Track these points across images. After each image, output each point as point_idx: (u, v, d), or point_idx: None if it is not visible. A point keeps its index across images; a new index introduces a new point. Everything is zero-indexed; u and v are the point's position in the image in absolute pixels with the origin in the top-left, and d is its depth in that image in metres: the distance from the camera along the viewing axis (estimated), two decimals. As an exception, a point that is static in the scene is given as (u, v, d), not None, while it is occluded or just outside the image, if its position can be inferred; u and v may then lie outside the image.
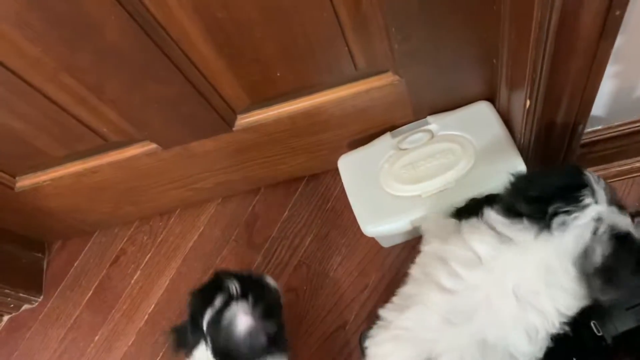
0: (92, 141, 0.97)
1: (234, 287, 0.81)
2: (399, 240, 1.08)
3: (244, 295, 0.81)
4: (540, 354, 0.74)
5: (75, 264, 1.26)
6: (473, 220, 0.77)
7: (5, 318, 1.26)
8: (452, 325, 0.74)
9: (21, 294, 1.22)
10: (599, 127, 0.96)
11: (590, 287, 0.70)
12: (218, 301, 0.80)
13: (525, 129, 0.87)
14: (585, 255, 0.68)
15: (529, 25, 0.67)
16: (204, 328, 0.80)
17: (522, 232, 0.71)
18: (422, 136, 1.00)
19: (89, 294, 1.22)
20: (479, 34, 0.83)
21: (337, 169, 1.04)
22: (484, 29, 0.82)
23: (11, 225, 1.19)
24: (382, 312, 0.82)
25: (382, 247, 1.09)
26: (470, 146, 0.96)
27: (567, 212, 0.68)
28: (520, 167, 0.93)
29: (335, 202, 1.16)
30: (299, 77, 0.90)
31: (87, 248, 1.27)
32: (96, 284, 1.23)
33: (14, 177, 1.06)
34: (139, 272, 1.21)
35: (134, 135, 0.98)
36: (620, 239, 0.68)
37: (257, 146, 1.06)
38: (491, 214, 0.75)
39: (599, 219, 0.68)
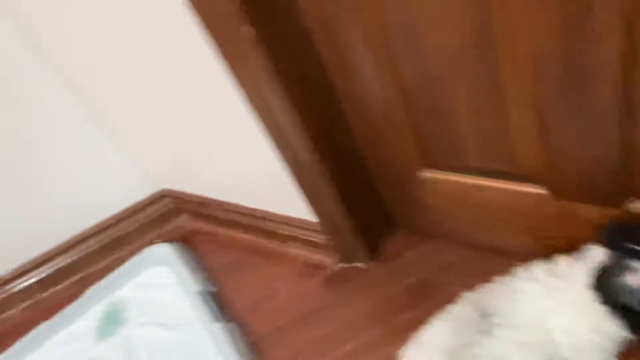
0: (504, 166, 1.13)
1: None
2: None
3: None
4: None
5: (408, 254, 1.47)
6: None
7: (338, 266, 1.53)
8: None
9: (361, 253, 1.47)
10: None
11: None
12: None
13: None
14: None
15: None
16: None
17: None
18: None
19: (410, 282, 1.40)
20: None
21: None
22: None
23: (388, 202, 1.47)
24: None
25: None
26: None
27: None
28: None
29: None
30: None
31: (425, 246, 1.47)
32: (420, 278, 1.40)
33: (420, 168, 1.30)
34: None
35: (536, 176, 1.10)
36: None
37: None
38: None
39: None
